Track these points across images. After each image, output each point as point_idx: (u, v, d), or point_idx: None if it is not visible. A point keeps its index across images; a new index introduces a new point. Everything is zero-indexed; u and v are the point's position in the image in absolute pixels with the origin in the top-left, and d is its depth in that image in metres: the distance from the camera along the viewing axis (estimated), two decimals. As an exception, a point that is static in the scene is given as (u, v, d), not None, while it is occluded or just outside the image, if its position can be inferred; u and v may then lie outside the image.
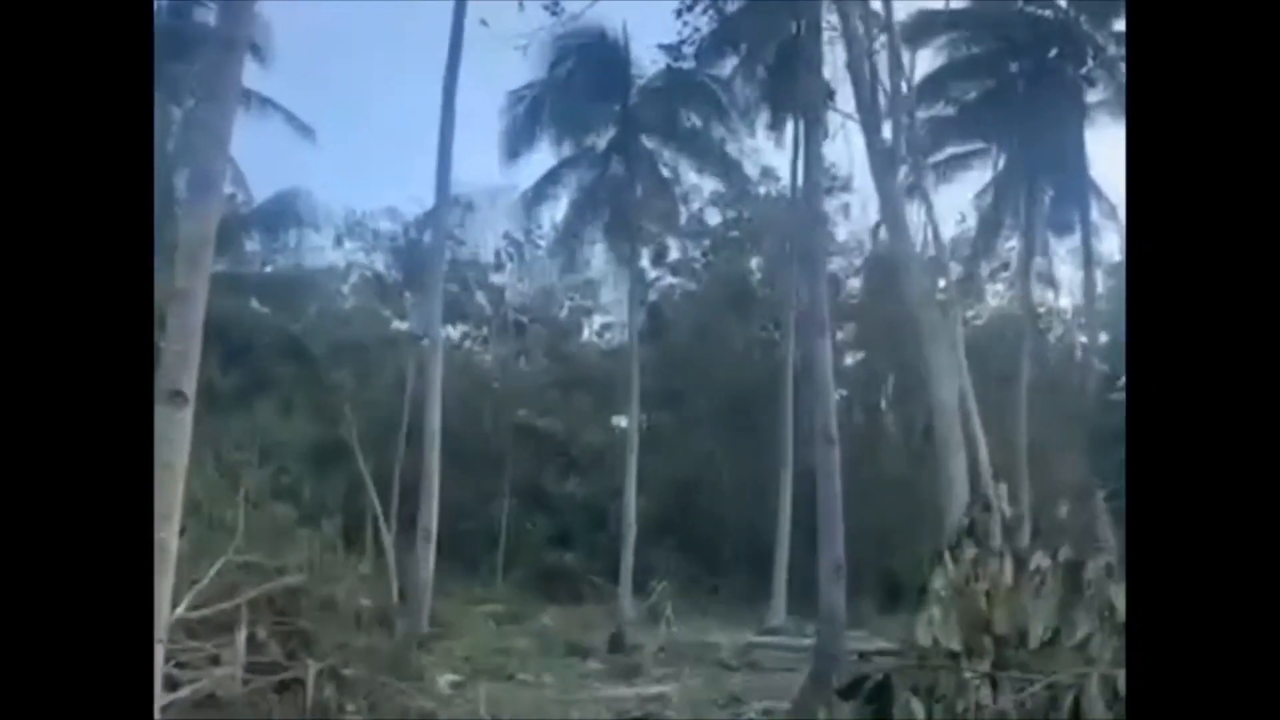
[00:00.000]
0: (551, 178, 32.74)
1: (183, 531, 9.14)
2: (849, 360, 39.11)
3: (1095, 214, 31.24)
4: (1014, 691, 6.68)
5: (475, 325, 42.36)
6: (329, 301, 39.07)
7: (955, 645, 6.87)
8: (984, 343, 33.96)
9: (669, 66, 29.97)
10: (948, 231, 31.87)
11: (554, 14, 27.28)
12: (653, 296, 41.30)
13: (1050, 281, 35.44)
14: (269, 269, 34.95)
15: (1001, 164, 31.34)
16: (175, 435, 7.52)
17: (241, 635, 12.56)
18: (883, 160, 20.97)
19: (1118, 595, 6.43)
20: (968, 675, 6.75)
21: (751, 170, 36.53)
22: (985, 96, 30.00)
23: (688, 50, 28.27)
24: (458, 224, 37.82)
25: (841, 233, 39.22)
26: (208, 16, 23.47)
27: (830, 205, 34.92)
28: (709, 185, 37.39)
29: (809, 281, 24.83)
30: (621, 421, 35.80)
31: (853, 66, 21.41)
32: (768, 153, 34.92)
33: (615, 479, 31.75)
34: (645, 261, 38.44)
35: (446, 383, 26.34)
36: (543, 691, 18.67)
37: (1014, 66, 30.06)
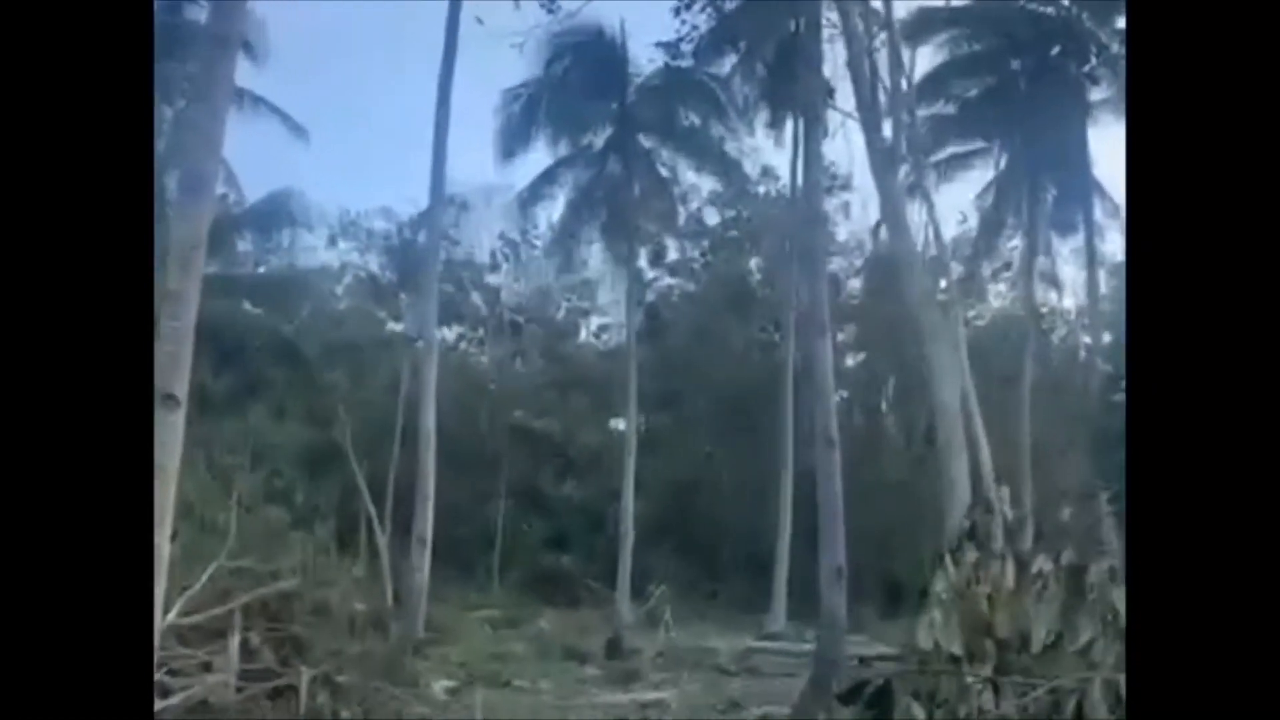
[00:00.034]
0: (548, 177, 32.61)
1: (174, 536, 9.06)
2: (849, 361, 39.11)
3: (1098, 213, 31.11)
4: (1016, 696, 6.66)
5: (471, 326, 42.21)
6: (322, 303, 39.10)
7: (956, 649, 6.87)
8: (986, 344, 33.95)
9: (667, 64, 29.82)
10: (949, 231, 31.98)
11: (550, 11, 27.26)
12: (651, 297, 41.22)
13: (1053, 281, 35.26)
14: (262, 270, 34.98)
15: (1003, 163, 31.23)
16: (167, 438, 7.61)
17: (234, 641, 12.53)
18: (883, 159, 20.92)
19: (1120, 599, 6.39)
20: (969, 680, 6.74)
21: (750, 169, 36.48)
22: (987, 94, 29.84)
23: (686, 48, 28.23)
24: (453, 224, 37.75)
25: (842, 232, 39.32)
26: (199, 14, 23.31)
27: (830, 204, 35.00)
28: (707, 184, 37.28)
29: (809, 282, 24.76)
30: (619, 423, 35.78)
31: (853, 64, 21.38)
32: (767, 152, 34.91)
33: (613, 481, 31.56)
34: (643, 262, 38.34)
35: (442, 384, 26.21)
36: (539, 697, 18.52)
37: (1015, 64, 29.88)
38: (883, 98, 22.94)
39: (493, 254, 42.48)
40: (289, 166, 57.42)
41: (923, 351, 19.31)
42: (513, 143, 30.63)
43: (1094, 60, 29.01)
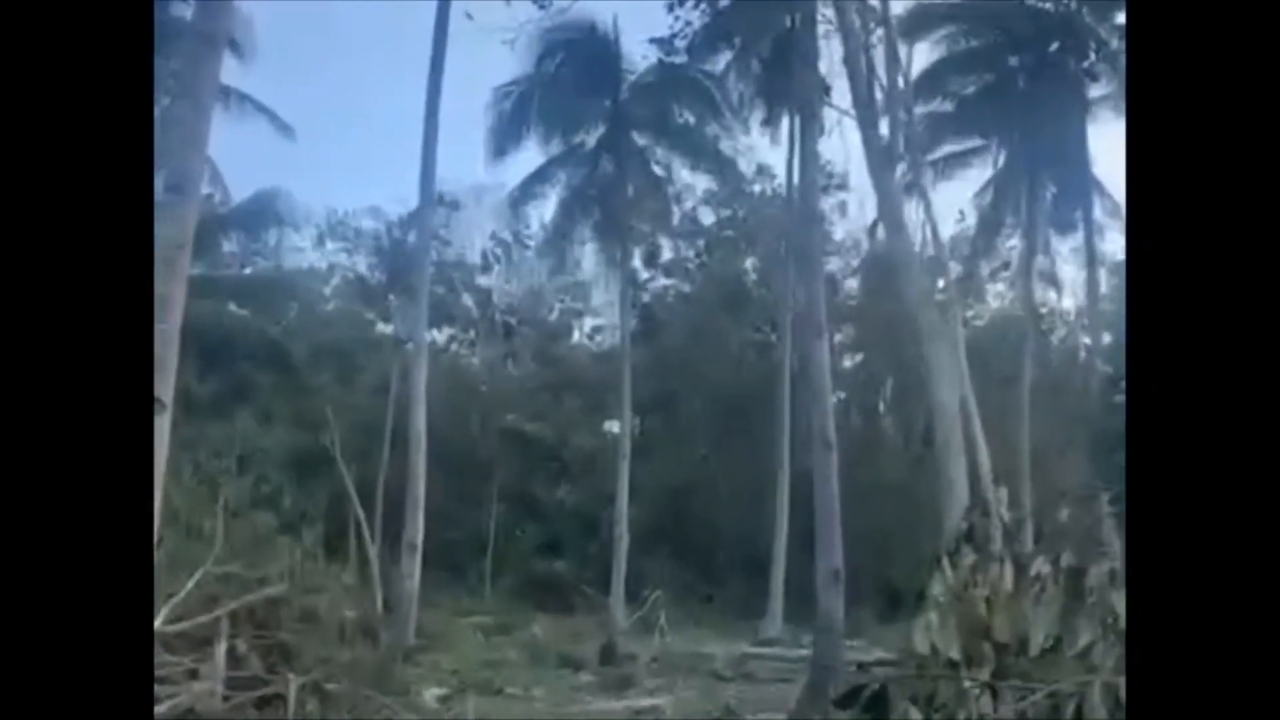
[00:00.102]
0: (540, 176, 32.50)
1: (160, 542, 8.87)
2: (847, 362, 39.23)
3: (1098, 212, 31.13)
4: (1014, 700, 6.53)
5: (462, 328, 42.23)
6: (310, 304, 39.22)
7: (954, 653, 6.72)
8: (985, 344, 34.06)
9: (660, 61, 29.77)
10: (947, 230, 32.08)
11: (542, 7, 27.40)
12: (645, 298, 41.14)
13: (1052, 281, 35.27)
14: (248, 271, 35.07)
15: (1002, 161, 31.18)
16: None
17: (221, 649, 12.45)
18: (880, 157, 20.98)
19: (1120, 602, 6.22)
20: (967, 684, 6.59)
21: (746, 168, 36.35)
22: (985, 91, 29.79)
23: (680, 45, 28.36)
24: (443, 224, 37.54)
25: (838, 232, 39.66)
26: (185, 11, 23.13)
27: (827, 203, 35.27)
28: (702, 183, 37.06)
29: (805, 282, 24.68)
30: (613, 426, 35.60)
31: (849, 61, 21.43)
32: (762, 150, 34.78)
33: (607, 485, 31.51)
34: (637, 262, 38.32)
35: (432, 387, 26.05)
36: (532, 705, 18.44)
37: (1014, 61, 29.84)
38: (880, 95, 23.00)
39: (484, 254, 42.47)
40: (276, 165, 57.45)
41: (921, 352, 19.35)
42: (504, 141, 30.55)
43: (1093, 57, 28.91)
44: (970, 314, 35.86)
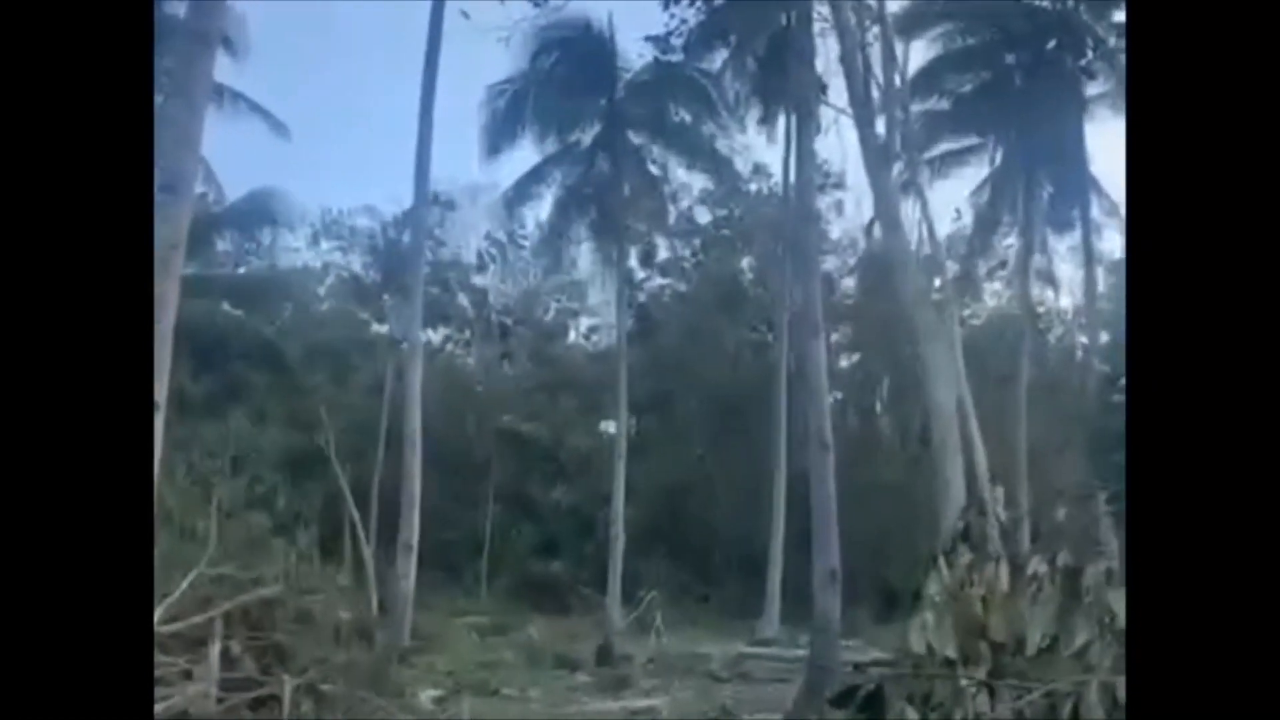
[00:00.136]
0: (535, 175, 32.38)
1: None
2: (843, 362, 39.20)
3: (1096, 210, 31.12)
4: (1011, 700, 6.57)
5: (457, 328, 42.14)
6: (304, 304, 39.22)
7: (950, 652, 6.80)
8: (982, 343, 34.14)
9: (656, 59, 29.77)
10: (944, 229, 32.13)
11: (537, 5, 27.37)
12: (641, 297, 41.19)
13: (1050, 280, 35.33)
14: (242, 270, 34.98)
15: (999, 159, 31.10)
16: (146, 443, 7.29)
17: (215, 650, 12.26)
18: (877, 156, 21.02)
19: (1117, 601, 6.31)
20: (964, 683, 6.65)
21: (742, 167, 36.27)
22: (981, 90, 29.65)
23: (676, 43, 28.38)
24: (438, 223, 37.65)
25: (835, 231, 39.66)
26: (178, 9, 23.05)
27: (823, 202, 35.04)
28: (698, 182, 37.02)
29: (802, 281, 24.53)
30: (609, 426, 35.54)
31: (845, 59, 21.44)
32: (759, 149, 34.63)
33: (603, 485, 31.45)
34: (633, 261, 38.38)
35: (427, 387, 25.99)
36: (528, 706, 18.40)
37: (1011, 58, 29.75)
38: (876, 93, 23.02)
39: (479, 254, 42.45)
40: (270, 164, 57.45)
41: (917, 351, 19.39)
42: (498, 139, 30.42)
43: (1091, 54, 28.87)
44: (967, 313, 35.85)
